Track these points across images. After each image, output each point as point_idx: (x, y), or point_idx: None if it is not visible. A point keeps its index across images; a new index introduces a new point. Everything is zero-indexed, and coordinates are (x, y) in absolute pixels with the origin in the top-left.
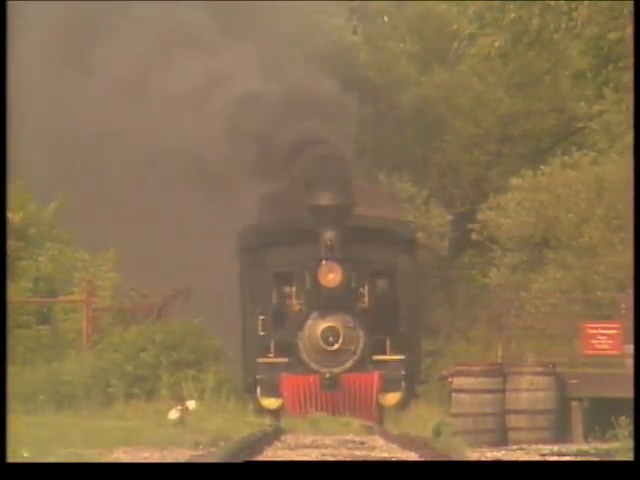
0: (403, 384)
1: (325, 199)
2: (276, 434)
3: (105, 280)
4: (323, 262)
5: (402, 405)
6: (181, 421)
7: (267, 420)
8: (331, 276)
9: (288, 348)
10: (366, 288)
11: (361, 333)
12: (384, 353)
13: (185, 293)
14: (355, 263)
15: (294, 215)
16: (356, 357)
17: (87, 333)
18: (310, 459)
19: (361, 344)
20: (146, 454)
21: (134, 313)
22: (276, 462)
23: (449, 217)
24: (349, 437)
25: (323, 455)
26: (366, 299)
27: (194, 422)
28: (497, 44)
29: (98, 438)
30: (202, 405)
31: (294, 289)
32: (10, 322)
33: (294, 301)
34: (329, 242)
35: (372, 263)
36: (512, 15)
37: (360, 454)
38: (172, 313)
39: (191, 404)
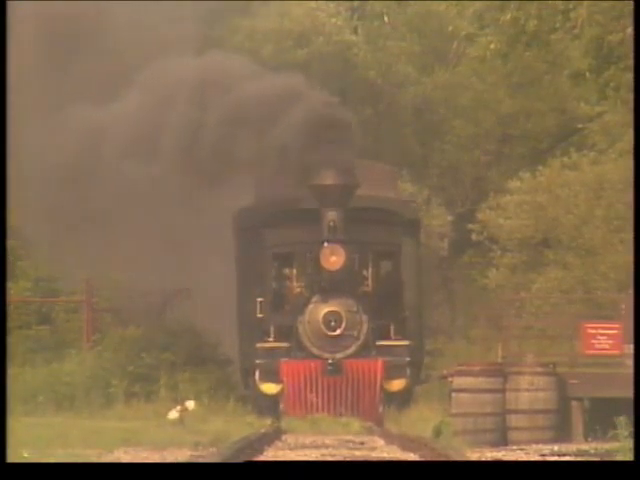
0: (408, 371)
1: (328, 179)
2: (276, 434)
3: (105, 280)
4: (325, 244)
5: (407, 392)
6: (180, 421)
7: (268, 420)
8: (333, 259)
9: (288, 332)
10: (369, 270)
11: (364, 318)
12: (388, 338)
13: (185, 292)
14: (358, 245)
15: (294, 194)
16: (359, 342)
17: (87, 333)
18: (310, 459)
19: (364, 329)
20: (146, 454)
21: (134, 313)
22: (276, 462)
23: (449, 217)
24: (349, 437)
25: (323, 455)
26: (369, 282)
27: (194, 422)
28: (492, 46)
29: (98, 438)
30: (202, 405)
31: (294, 271)
32: (10, 322)
33: (294, 284)
34: (331, 223)
35: (375, 244)
36: (508, 16)
37: (360, 454)
38: (173, 312)
39: (190, 404)
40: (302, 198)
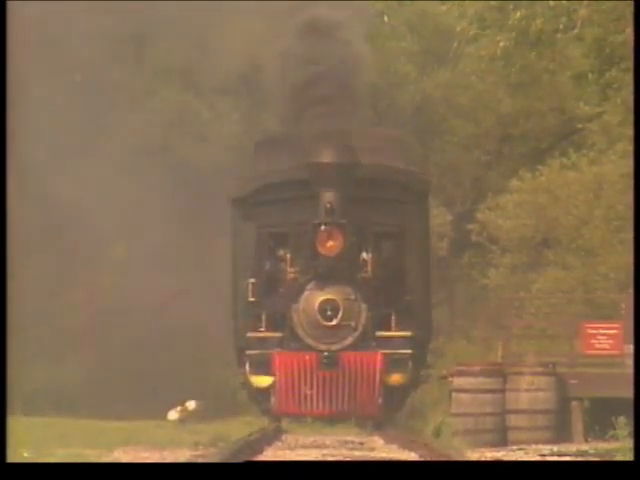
0: (410, 364)
1: (325, 157)
2: (276, 434)
3: (106, 279)
4: (322, 227)
5: (409, 387)
6: (181, 421)
7: (266, 419)
8: (330, 243)
9: (281, 320)
10: (369, 254)
11: (363, 306)
12: (389, 329)
13: (186, 292)
14: (357, 226)
15: (293, 167)
16: (357, 333)
17: (87, 333)
18: (310, 459)
19: (363, 319)
20: (146, 454)
21: (136, 312)
22: (276, 462)
23: (449, 217)
24: (349, 437)
25: (323, 455)
26: (369, 267)
27: (194, 422)
28: (502, 44)
29: (98, 438)
30: (202, 405)
31: (289, 254)
32: (10, 322)
33: (289, 268)
34: (329, 205)
35: (377, 224)
36: (518, 14)
37: (360, 454)
38: (173, 312)
39: (190, 404)
40: (301, 171)
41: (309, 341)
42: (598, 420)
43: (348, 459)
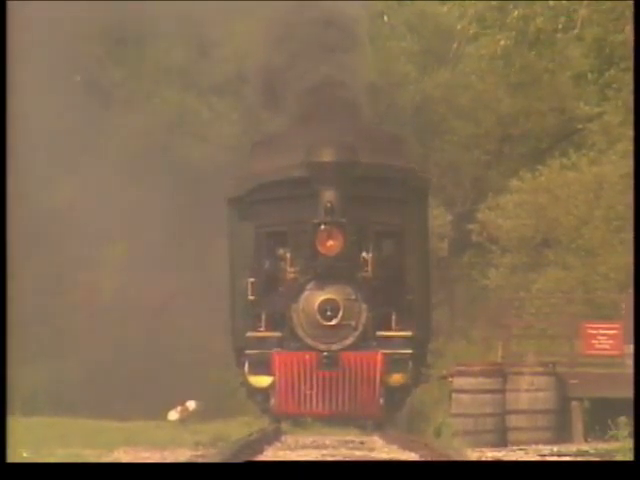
0: (410, 364)
1: (325, 155)
2: (276, 434)
3: (106, 279)
4: (322, 227)
5: (409, 387)
6: (181, 421)
7: (266, 419)
8: (330, 243)
9: (281, 320)
10: (370, 254)
11: (363, 306)
12: (389, 328)
13: (186, 292)
14: (357, 225)
15: (291, 165)
16: (357, 333)
17: (87, 333)
18: (310, 459)
19: (363, 318)
20: (146, 454)
21: (136, 312)
22: (276, 462)
23: (449, 217)
24: (349, 437)
25: (323, 455)
26: (369, 267)
27: (194, 422)
28: (502, 43)
29: (98, 438)
30: (202, 405)
31: (289, 254)
32: (10, 322)
33: (289, 268)
34: (329, 204)
35: (377, 223)
36: (515, 13)
37: (360, 454)
38: (174, 312)
39: (191, 404)
40: (299, 169)
41: (309, 341)
42: (598, 420)
43: (348, 459)
